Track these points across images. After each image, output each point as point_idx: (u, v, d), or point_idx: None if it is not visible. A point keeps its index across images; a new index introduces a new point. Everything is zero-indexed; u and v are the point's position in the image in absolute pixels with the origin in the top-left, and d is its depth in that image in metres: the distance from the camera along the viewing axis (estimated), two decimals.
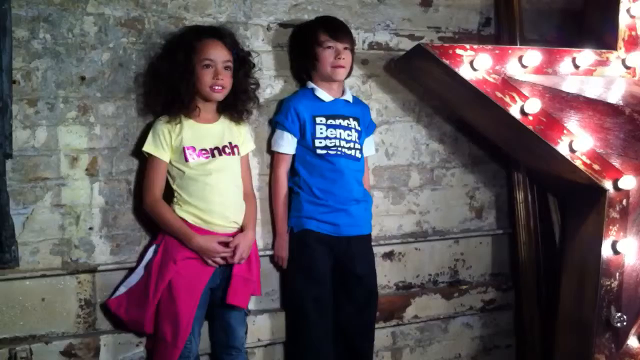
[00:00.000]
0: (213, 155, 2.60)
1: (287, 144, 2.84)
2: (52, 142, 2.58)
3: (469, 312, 3.37)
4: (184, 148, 2.55)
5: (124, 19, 2.66)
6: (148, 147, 2.56)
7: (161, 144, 2.55)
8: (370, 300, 2.93)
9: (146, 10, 2.69)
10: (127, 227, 2.71)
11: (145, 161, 2.61)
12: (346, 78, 2.91)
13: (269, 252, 2.94)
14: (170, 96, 2.55)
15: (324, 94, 2.85)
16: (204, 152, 2.59)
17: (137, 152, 2.68)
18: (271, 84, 2.93)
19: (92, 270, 2.66)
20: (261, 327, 2.90)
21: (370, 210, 2.97)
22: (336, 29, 2.82)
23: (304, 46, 2.86)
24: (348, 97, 2.90)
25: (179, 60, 2.53)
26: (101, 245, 2.68)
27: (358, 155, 2.88)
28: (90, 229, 2.66)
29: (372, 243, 3.03)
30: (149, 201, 2.58)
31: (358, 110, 2.93)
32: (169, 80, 2.54)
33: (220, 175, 2.60)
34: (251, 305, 2.91)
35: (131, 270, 2.67)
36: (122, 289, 2.61)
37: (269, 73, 2.92)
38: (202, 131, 2.61)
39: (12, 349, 2.50)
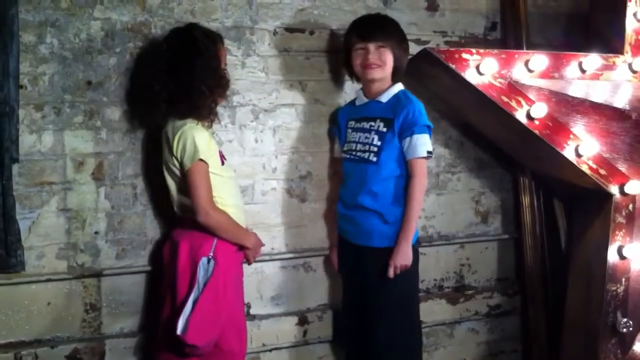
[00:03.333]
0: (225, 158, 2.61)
1: (337, 149, 2.93)
2: (59, 147, 2.58)
3: (475, 317, 3.36)
4: (219, 152, 2.53)
5: (131, 23, 2.67)
6: (205, 155, 2.39)
7: (210, 150, 2.43)
8: (378, 321, 2.70)
9: (153, 15, 2.70)
10: (133, 231, 2.72)
11: (184, 171, 2.42)
12: (397, 79, 2.79)
13: (274, 256, 2.96)
14: (204, 101, 2.44)
15: (360, 97, 2.84)
16: (222, 155, 2.58)
17: (145, 158, 2.70)
18: (277, 88, 2.93)
19: (98, 274, 2.67)
20: (266, 332, 2.90)
21: (390, 223, 2.68)
22: (364, 28, 2.76)
23: (346, 54, 2.82)
24: (383, 97, 2.75)
25: (215, 67, 2.46)
26: (107, 250, 2.68)
27: (372, 158, 2.69)
28: (96, 233, 2.66)
29: None
30: (213, 210, 2.41)
31: (389, 110, 2.71)
32: (207, 86, 2.43)
33: None
34: (256, 310, 2.92)
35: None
36: (183, 320, 2.34)
37: (275, 77, 2.92)
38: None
39: (18, 353, 2.51)
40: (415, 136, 2.65)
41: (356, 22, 2.81)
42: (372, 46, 2.70)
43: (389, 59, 2.72)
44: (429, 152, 2.67)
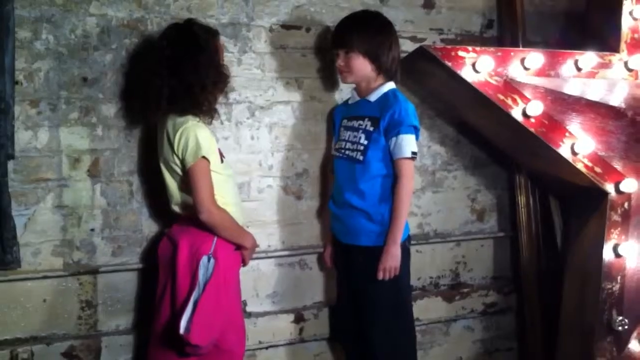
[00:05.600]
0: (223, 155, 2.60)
1: (333, 146, 2.91)
2: (54, 143, 2.58)
3: (470, 315, 3.36)
4: (218, 150, 2.51)
5: (127, 20, 2.66)
6: (207, 152, 2.37)
7: (212, 147, 2.41)
8: (370, 319, 2.71)
9: (149, 12, 2.69)
10: (129, 228, 2.71)
11: (185, 170, 2.41)
12: (388, 77, 2.74)
13: (270, 254, 2.95)
14: (205, 96, 2.43)
15: (353, 96, 2.83)
16: (221, 152, 2.56)
17: (141, 155, 2.70)
18: (273, 85, 2.93)
19: (94, 271, 2.66)
20: (262, 330, 2.90)
21: (376, 222, 2.67)
22: (335, 33, 2.79)
23: None
24: (372, 96, 2.73)
25: (216, 62, 2.48)
26: (102, 247, 2.68)
27: (359, 157, 2.68)
28: (92, 230, 2.66)
29: None
30: (215, 209, 2.40)
31: (377, 109, 2.69)
32: (209, 81, 2.43)
33: None
34: (252, 308, 2.92)
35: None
36: (186, 319, 2.31)
37: (271, 74, 2.92)
38: None
39: (14, 350, 2.51)
40: (401, 136, 2.62)
41: (336, 25, 2.81)
42: (341, 52, 2.72)
43: (356, 64, 2.69)
44: (413, 153, 2.64)
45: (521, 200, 3.35)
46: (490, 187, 3.43)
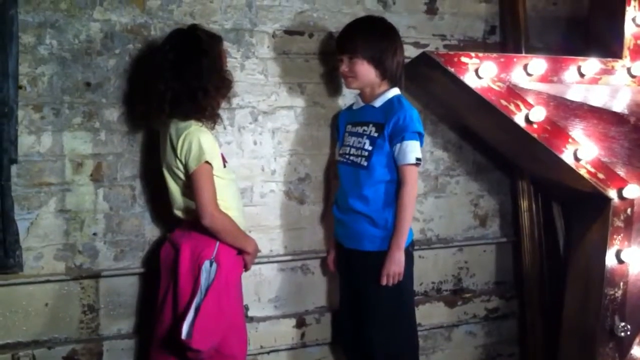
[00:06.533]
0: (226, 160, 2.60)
1: (337, 151, 2.91)
2: (57, 148, 2.58)
3: (473, 320, 3.36)
4: (221, 154, 2.51)
5: (130, 25, 2.67)
6: (210, 157, 2.38)
7: (214, 152, 2.42)
8: (372, 324, 2.70)
9: (152, 17, 2.70)
10: (131, 232, 2.72)
11: (188, 174, 2.41)
12: (393, 83, 2.74)
13: (273, 259, 2.96)
14: (208, 101, 2.43)
15: (357, 101, 2.84)
16: (224, 157, 2.56)
17: (143, 159, 2.71)
18: (276, 90, 2.93)
19: (96, 275, 2.67)
20: (264, 334, 2.90)
21: (380, 227, 2.66)
22: (339, 39, 2.79)
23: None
24: (377, 102, 2.72)
25: (219, 67, 2.48)
26: (105, 251, 2.68)
27: (363, 162, 2.68)
28: (95, 234, 2.66)
29: None
30: (218, 213, 2.40)
31: (381, 115, 2.69)
32: (212, 86, 2.43)
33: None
34: (254, 312, 2.92)
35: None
36: (188, 324, 2.32)
37: (274, 80, 2.93)
38: None
39: (15, 354, 2.51)
40: (405, 142, 2.62)
41: (340, 31, 2.81)
42: (345, 57, 2.72)
43: (360, 70, 2.69)
44: (417, 159, 2.64)
45: (524, 205, 3.35)
46: (492, 192, 3.43)
